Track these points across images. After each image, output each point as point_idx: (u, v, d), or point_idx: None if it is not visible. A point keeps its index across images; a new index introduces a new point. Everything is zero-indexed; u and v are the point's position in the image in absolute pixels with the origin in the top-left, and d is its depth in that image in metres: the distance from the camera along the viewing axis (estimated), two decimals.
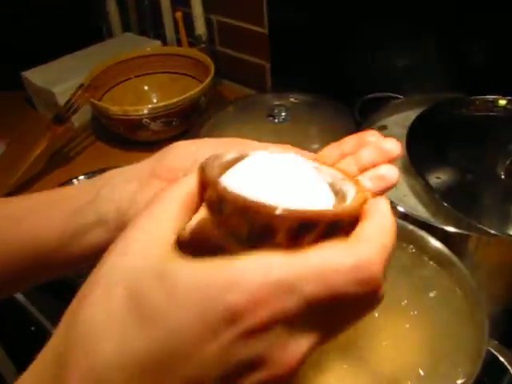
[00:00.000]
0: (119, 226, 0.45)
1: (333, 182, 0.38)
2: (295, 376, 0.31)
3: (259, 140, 0.97)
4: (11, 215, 0.48)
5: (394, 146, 0.41)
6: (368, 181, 0.41)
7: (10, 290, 0.55)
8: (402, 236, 0.67)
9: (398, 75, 1.02)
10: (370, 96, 0.98)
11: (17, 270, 0.48)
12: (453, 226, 0.68)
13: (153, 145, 1.21)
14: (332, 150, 0.45)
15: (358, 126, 0.86)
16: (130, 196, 0.46)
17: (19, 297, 0.91)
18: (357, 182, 0.37)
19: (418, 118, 0.82)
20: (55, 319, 0.87)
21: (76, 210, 0.46)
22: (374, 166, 0.41)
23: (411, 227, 0.67)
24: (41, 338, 0.87)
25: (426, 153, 0.76)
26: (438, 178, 0.72)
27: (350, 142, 0.44)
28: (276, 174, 0.35)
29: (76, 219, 0.46)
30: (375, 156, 0.42)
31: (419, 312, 0.62)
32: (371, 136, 0.43)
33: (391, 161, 0.41)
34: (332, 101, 1.08)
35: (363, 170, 0.42)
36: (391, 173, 0.40)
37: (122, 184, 0.47)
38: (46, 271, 0.50)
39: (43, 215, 0.47)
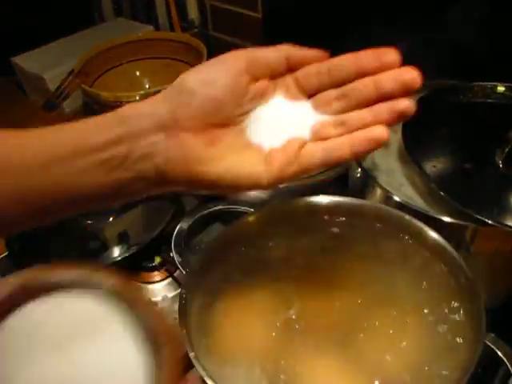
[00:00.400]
0: (158, 182, 0.46)
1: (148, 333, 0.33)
2: None
3: None
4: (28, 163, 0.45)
5: (416, 78, 0.43)
6: (385, 114, 0.43)
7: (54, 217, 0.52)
8: (399, 226, 0.66)
9: None
10: None
11: (52, 205, 0.47)
12: (450, 216, 0.67)
13: None
14: (349, 61, 0.46)
15: None
16: (162, 152, 0.45)
17: None
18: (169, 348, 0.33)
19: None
20: None
21: (107, 164, 0.45)
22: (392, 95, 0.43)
23: (407, 217, 0.66)
24: None
25: (423, 141, 0.75)
26: (435, 166, 0.71)
27: (367, 57, 0.45)
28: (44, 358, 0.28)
29: (112, 175, 0.45)
30: (396, 87, 0.43)
31: (415, 303, 0.61)
32: (390, 55, 0.44)
33: (411, 93, 0.43)
34: None
35: (381, 98, 0.44)
36: (410, 109, 0.43)
37: (148, 136, 0.45)
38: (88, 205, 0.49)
39: (68, 167, 0.45)
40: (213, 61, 0.47)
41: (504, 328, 0.60)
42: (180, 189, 0.48)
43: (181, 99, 0.46)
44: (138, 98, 1.11)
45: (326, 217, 0.68)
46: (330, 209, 0.68)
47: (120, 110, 0.46)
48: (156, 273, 0.91)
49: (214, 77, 0.46)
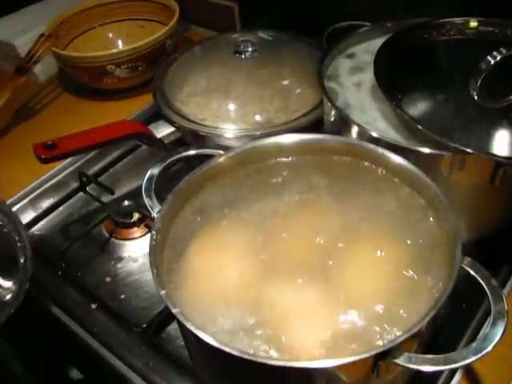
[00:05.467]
0: None
1: None
2: None
3: (226, 76, 0.94)
4: None
5: None
6: None
7: None
8: (374, 160, 0.66)
9: (367, 4, 0.99)
10: (337, 25, 0.95)
11: None
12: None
13: (121, 93, 1.18)
14: None
15: (325, 54, 0.83)
16: None
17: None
18: None
19: (386, 43, 0.79)
20: None
21: None
22: None
23: (381, 150, 0.65)
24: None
25: (396, 77, 0.73)
26: (409, 101, 0.69)
27: None
28: None
29: None
30: None
31: (391, 235, 0.60)
32: None
33: None
34: (300, 35, 1.05)
35: None
36: None
37: None
38: None
39: None
40: None
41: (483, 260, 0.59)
42: None
43: None
44: (109, 56, 1.10)
45: (295, 156, 0.68)
46: (299, 147, 0.68)
47: None
48: (135, 229, 0.90)
49: None
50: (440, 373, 0.66)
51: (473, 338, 0.69)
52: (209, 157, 0.67)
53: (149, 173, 0.68)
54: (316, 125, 0.87)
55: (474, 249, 0.63)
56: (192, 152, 0.72)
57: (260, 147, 0.67)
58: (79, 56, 1.12)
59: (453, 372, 0.66)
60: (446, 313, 0.70)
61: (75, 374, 0.80)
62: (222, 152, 0.67)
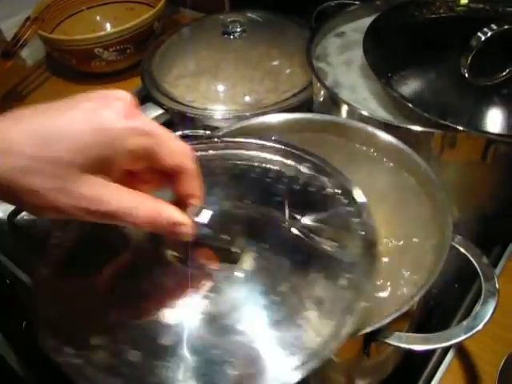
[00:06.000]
0: None
1: None
2: None
3: (215, 57, 0.93)
4: None
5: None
6: None
7: None
8: (363, 138, 0.65)
9: None
10: (326, 4, 0.93)
11: None
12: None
13: (109, 76, 1.17)
14: None
15: (314, 33, 0.82)
16: None
17: None
18: None
19: (376, 21, 0.78)
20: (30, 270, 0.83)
21: None
22: None
23: (371, 129, 0.64)
24: (16, 289, 0.83)
25: (386, 56, 0.73)
26: (400, 79, 0.69)
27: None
28: None
29: None
30: None
31: (382, 215, 0.59)
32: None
33: None
34: (289, 15, 1.04)
35: None
36: None
37: None
38: None
39: None
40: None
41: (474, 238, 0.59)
42: None
43: None
44: (96, 39, 1.08)
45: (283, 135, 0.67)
46: (287, 126, 0.67)
47: None
48: None
49: None
50: (432, 352, 0.66)
51: (465, 318, 0.69)
52: (196, 138, 0.67)
53: None
54: (306, 105, 0.86)
55: (466, 228, 0.63)
56: (178, 133, 0.71)
57: (247, 127, 0.66)
58: (67, 39, 1.11)
59: (445, 351, 0.66)
60: (439, 293, 0.70)
61: None
62: (208, 132, 0.66)
